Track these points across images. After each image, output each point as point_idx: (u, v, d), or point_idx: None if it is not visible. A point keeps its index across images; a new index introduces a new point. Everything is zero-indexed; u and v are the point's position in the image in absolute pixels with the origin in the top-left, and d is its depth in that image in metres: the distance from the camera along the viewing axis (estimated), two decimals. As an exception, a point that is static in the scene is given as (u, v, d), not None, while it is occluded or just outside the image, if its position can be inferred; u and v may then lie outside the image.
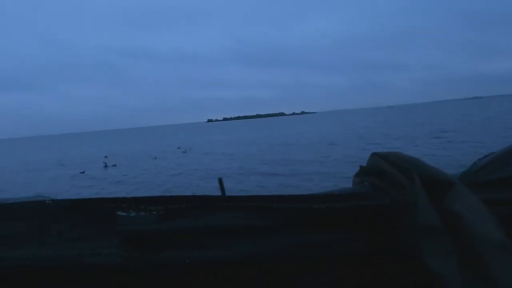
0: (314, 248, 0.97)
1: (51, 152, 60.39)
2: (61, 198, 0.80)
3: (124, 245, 0.93)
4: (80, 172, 25.22)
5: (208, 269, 0.96)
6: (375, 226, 1.00)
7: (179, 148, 41.44)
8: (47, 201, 0.87)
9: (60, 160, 39.96)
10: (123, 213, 0.95)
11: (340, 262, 0.98)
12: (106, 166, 28.07)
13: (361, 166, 1.13)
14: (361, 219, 1.00)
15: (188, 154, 33.54)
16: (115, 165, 28.77)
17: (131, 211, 0.95)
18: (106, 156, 37.06)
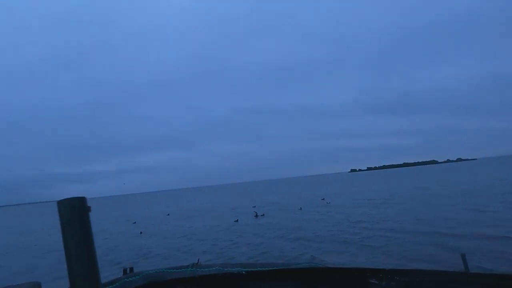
0: None
1: (206, 202, 67.20)
2: (324, 266, 1.14)
3: None
4: (235, 221, 27.86)
5: None
6: None
7: (323, 199, 41.81)
8: (317, 267, 1.29)
9: (214, 209, 44.57)
10: (375, 281, 1.00)
11: None
12: (256, 215, 30.36)
13: None
14: None
15: (332, 206, 33.56)
16: (263, 214, 30.88)
17: (383, 281, 0.99)
18: (255, 206, 39.87)
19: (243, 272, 2.38)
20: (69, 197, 3.19)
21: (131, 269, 3.42)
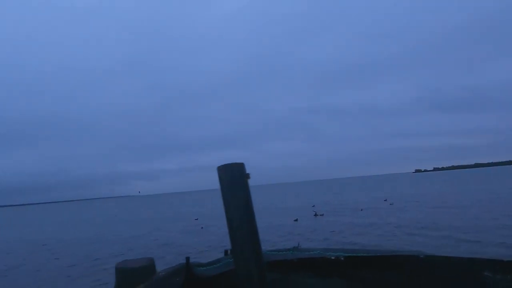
0: None
1: (265, 201, 67.74)
2: (429, 254, 1.06)
3: None
4: (294, 220, 27.78)
5: None
6: None
7: (385, 200, 40.24)
8: (421, 256, 1.25)
9: (273, 208, 44.75)
10: (489, 274, 0.97)
11: None
12: (316, 215, 30.02)
13: None
14: None
15: (395, 208, 32.18)
16: (323, 214, 30.43)
17: (498, 274, 0.95)
18: (314, 206, 39.41)
19: (342, 258, 2.39)
20: (229, 162, 3.42)
21: (232, 250, 3.68)
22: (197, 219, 36.68)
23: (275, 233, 21.70)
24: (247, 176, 3.54)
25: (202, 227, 27.98)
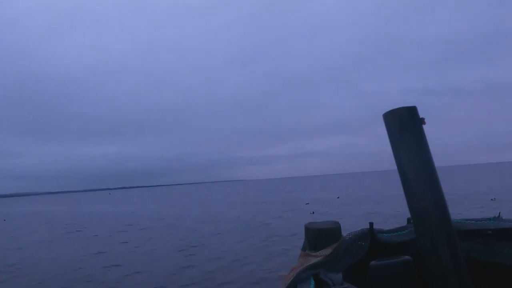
0: None
1: (374, 188, 64.51)
2: None
3: None
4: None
5: None
6: None
7: (523, 190, 34.71)
8: None
9: (383, 195, 42.21)
10: None
11: None
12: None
13: None
14: None
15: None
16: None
17: None
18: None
19: None
20: (397, 107, 2.89)
21: (412, 215, 3.44)
22: (308, 203, 36.64)
23: (386, 222, 20.28)
24: (421, 120, 2.75)
25: (312, 212, 27.80)
